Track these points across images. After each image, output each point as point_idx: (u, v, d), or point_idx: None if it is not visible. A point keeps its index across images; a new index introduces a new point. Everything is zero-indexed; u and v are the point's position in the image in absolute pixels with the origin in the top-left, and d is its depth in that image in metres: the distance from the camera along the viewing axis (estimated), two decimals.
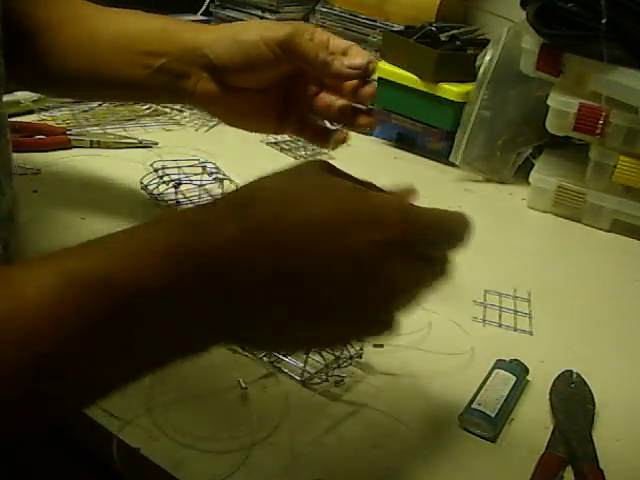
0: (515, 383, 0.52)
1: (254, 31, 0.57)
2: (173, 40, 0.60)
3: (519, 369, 0.54)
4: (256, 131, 0.66)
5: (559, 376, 0.54)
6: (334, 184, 0.37)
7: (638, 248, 0.82)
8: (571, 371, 0.54)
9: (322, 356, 0.52)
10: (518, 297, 0.66)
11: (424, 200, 0.93)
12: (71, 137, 0.85)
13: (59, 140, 0.85)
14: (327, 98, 0.60)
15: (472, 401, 0.50)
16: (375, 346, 0.55)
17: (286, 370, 0.52)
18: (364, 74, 0.56)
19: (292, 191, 0.36)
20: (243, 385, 0.49)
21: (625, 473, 0.47)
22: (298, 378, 0.51)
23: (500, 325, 0.62)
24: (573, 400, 0.52)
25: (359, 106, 0.59)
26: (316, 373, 0.51)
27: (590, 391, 0.52)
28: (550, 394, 0.52)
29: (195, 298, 0.33)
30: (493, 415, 0.48)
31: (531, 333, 0.61)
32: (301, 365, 0.51)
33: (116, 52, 0.61)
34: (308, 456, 0.45)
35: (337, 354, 0.52)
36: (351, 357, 0.52)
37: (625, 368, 0.58)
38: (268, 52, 0.56)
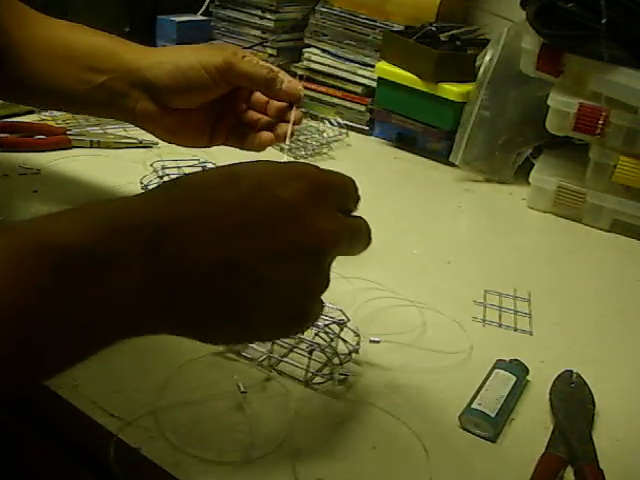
0: (515, 383, 0.52)
1: (193, 57, 0.61)
2: (116, 59, 0.62)
3: (519, 369, 0.54)
4: (190, 146, 0.68)
5: (559, 376, 0.54)
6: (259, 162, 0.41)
7: (638, 248, 0.82)
8: (571, 371, 0.54)
9: (324, 353, 0.52)
10: (518, 297, 0.66)
11: (424, 200, 0.93)
12: (71, 137, 0.85)
13: (59, 140, 0.85)
14: (254, 115, 0.65)
15: (472, 401, 0.50)
16: (372, 342, 0.55)
17: (288, 372, 0.52)
18: (298, 100, 0.63)
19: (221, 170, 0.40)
20: (242, 389, 0.49)
21: (625, 473, 0.47)
22: (301, 379, 0.51)
23: (500, 325, 0.62)
24: (573, 400, 0.52)
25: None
26: (318, 371, 0.51)
27: (590, 391, 0.52)
28: (550, 394, 0.52)
29: (124, 259, 0.34)
30: (493, 415, 0.48)
31: (531, 333, 0.61)
32: (302, 366, 0.51)
33: (58, 64, 0.62)
34: (308, 456, 0.45)
35: (334, 351, 0.52)
36: (349, 353, 0.53)
37: (625, 368, 0.58)
38: (207, 77, 0.60)
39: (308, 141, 0.97)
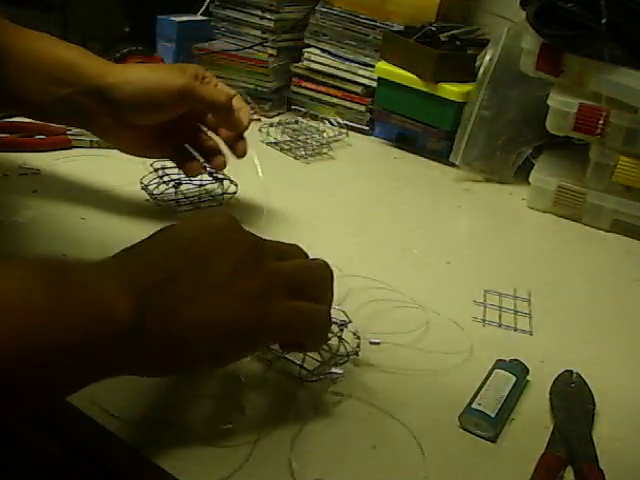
0: (515, 383, 0.52)
1: (155, 78, 0.64)
2: (82, 74, 0.63)
3: (519, 369, 0.53)
4: (142, 157, 0.72)
5: (559, 376, 0.54)
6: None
7: (638, 248, 0.82)
8: (571, 371, 0.54)
9: (319, 353, 0.52)
10: (518, 297, 0.66)
11: (424, 200, 0.93)
12: (71, 137, 0.85)
13: (59, 140, 0.85)
14: (203, 137, 0.71)
15: (472, 401, 0.50)
16: (372, 343, 0.55)
17: (285, 368, 0.51)
18: (242, 132, 0.69)
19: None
20: (242, 379, 0.49)
21: (625, 473, 0.47)
22: (296, 376, 0.51)
23: (500, 325, 0.62)
24: (573, 400, 0.52)
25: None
26: (313, 370, 0.51)
27: (590, 391, 0.52)
28: (550, 394, 0.52)
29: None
30: (493, 415, 0.48)
31: (531, 333, 0.61)
32: (299, 363, 0.51)
33: (25, 74, 0.63)
34: (308, 456, 0.44)
35: (334, 351, 0.52)
36: (347, 355, 0.53)
37: (625, 368, 0.58)
38: (167, 99, 0.64)
39: (308, 141, 0.97)
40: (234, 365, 0.50)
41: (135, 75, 0.64)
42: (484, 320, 0.62)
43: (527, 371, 0.54)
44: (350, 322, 0.54)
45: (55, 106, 0.64)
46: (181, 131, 0.70)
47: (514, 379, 0.52)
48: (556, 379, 0.53)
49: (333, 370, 0.51)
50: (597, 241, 0.83)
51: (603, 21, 0.74)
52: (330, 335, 0.53)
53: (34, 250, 0.62)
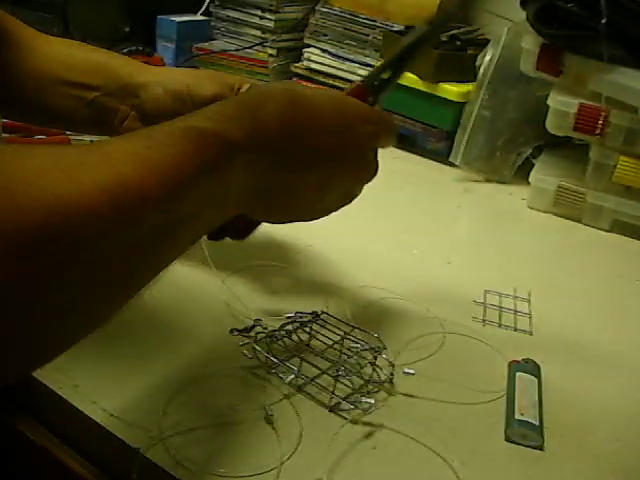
0: (538, 385, 0.52)
1: (183, 82, 0.58)
2: (111, 76, 0.60)
3: (535, 369, 0.54)
4: None
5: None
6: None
7: (638, 248, 0.82)
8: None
9: (351, 381, 0.50)
10: (518, 297, 0.66)
11: (424, 200, 0.92)
12: (71, 137, 0.85)
13: (59, 140, 0.84)
14: None
15: (513, 412, 0.49)
16: (405, 374, 0.52)
17: (314, 394, 0.49)
18: None
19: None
20: (269, 411, 0.47)
21: (625, 473, 0.47)
22: (325, 403, 0.48)
23: (500, 325, 0.62)
24: None
25: None
26: (345, 399, 0.48)
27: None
28: None
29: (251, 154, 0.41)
30: (537, 423, 0.48)
31: (531, 333, 0.61)
32: (328, 390, 0.49)
33: (55, 82, 0.60)
34: (309, 456, 0.44)
35: (366, 379, 0.50)
36: (382, 382, 0.51)
37: (625, 368, 0.58)
38: (192, 108, 0.55)
39: None
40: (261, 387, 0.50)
41: (167, 76, 0.59)
42: (484, 320, 0.62)
43: (539, 369, 0.54)
44: (385, 348, 0.53)
45: (80, 112, 0.60)
46: None
47: (536, 380, 0.52)
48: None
49: (365, 400, 0.48)
50: (597, 241, 0.83)
51: (603, 21, 0.74)
52: (363, 362, 0.51)
53: None
